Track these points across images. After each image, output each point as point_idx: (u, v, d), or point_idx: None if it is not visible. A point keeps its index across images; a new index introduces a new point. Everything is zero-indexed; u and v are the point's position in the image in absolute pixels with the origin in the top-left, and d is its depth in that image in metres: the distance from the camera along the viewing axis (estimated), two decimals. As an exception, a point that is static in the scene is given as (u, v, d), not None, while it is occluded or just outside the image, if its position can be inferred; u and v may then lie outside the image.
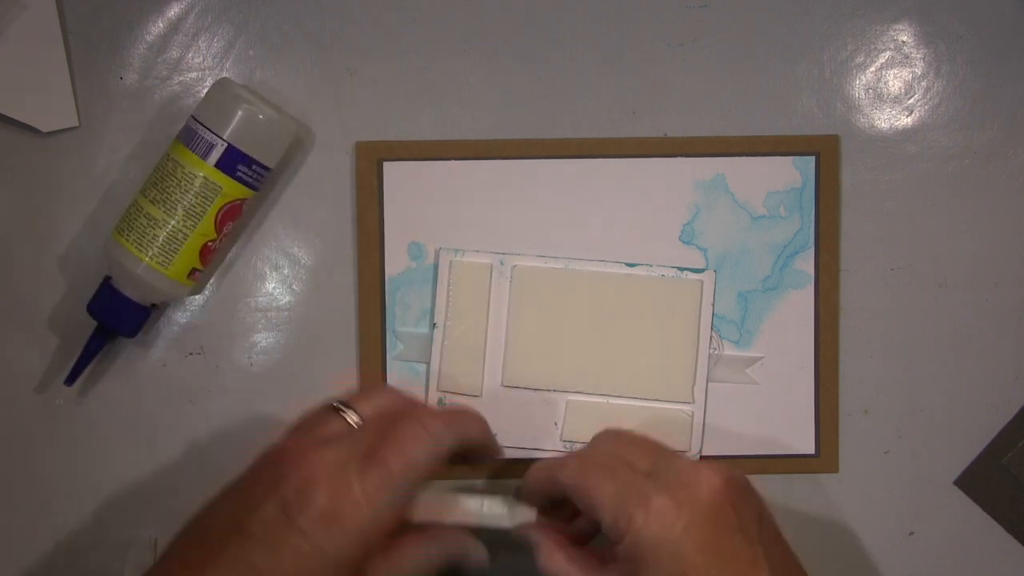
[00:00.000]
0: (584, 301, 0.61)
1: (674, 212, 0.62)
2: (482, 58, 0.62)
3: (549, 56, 0.62)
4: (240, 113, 0.57)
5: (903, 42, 0.62)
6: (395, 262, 0.62)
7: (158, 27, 0.62)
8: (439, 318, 0.61)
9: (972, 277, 0.62)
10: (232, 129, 0.57)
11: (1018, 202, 0.62)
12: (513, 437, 0.62)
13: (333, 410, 0.54)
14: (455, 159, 0.62)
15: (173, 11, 0.62)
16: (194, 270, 0.59)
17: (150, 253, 0.57)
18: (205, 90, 0.61)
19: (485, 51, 0.62)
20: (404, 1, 0.62)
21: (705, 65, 0.62)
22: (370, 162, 0.61)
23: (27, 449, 0.62)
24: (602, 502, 0.51)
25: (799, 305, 0.62)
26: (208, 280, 0.62)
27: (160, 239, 0.57)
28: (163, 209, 0.57)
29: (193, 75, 0.62)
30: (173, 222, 0.57)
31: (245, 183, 0.58)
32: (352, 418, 0.54)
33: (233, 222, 0.59)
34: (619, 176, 0.62)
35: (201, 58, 0.62)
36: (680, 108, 0.62)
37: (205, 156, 0.57)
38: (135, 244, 0.57)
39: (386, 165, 0.61)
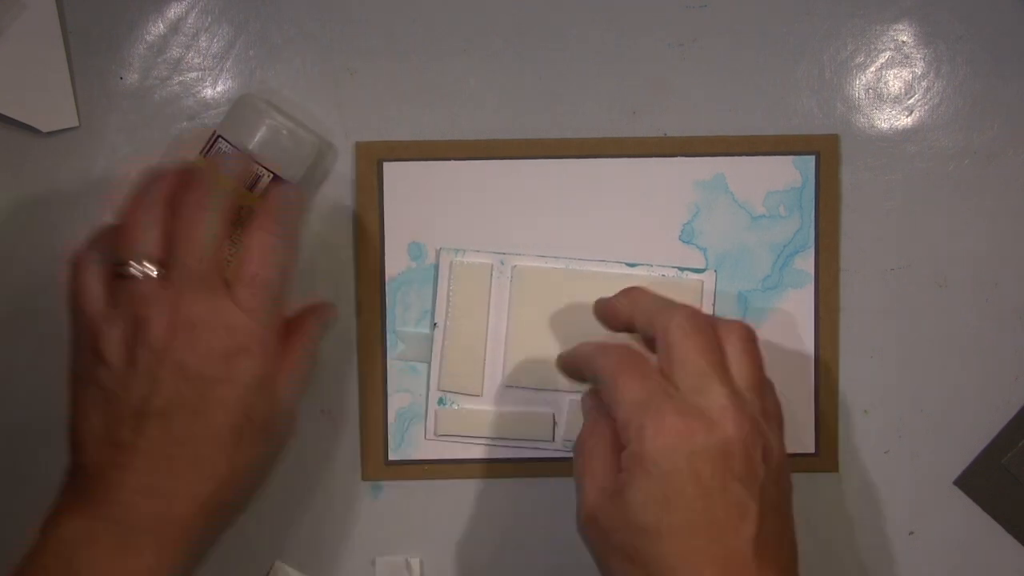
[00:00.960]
0: (584, 301, 0.61)
1: (674, 212, 0.62)
2: (482, 58, 0.62)
3: (549, 56, 0.62)
4: (290, 145, 0.57)
5: (903, 42, 0.62)
6: (395, 262, 0.62)
7: (158, 27, 0.62)
8: (439, 318, 0.61)
9: (972, 277, 0.62)
10: (284, 162, 0.57)
11: (1018, 202, 0.62)
12: (513, 436, 0.62)
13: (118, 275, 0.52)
14: (455, 159, 0.62)
15: (173, 11, 0.62)
16: None
17: None
18: (205, 90, 0.62)
19: (485, 51, 0.62)
20: (404, 1, 0.62)
21: (705, 65, 0.62)
22: (370, 162, 0.61)
23: (26, 448, 0.62)
24: (622, 402, 0.50)
25: (799, 305, 0.62)
26: None
27: None
28: None
29: (193, 75, 0.62)
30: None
31: None
32: (150, 271, 0.52)
33: None
34: (619, 176, 0.62)
35: (201, 58, 0.62)
36: (680, 108, 0.62)
37: (252, 188, 0.57)
38: None
39: (386, 165, 0.62)
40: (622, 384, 0.51)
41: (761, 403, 0.52)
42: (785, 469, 0.52)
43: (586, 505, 0.52)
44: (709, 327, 0.53)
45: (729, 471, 0.49)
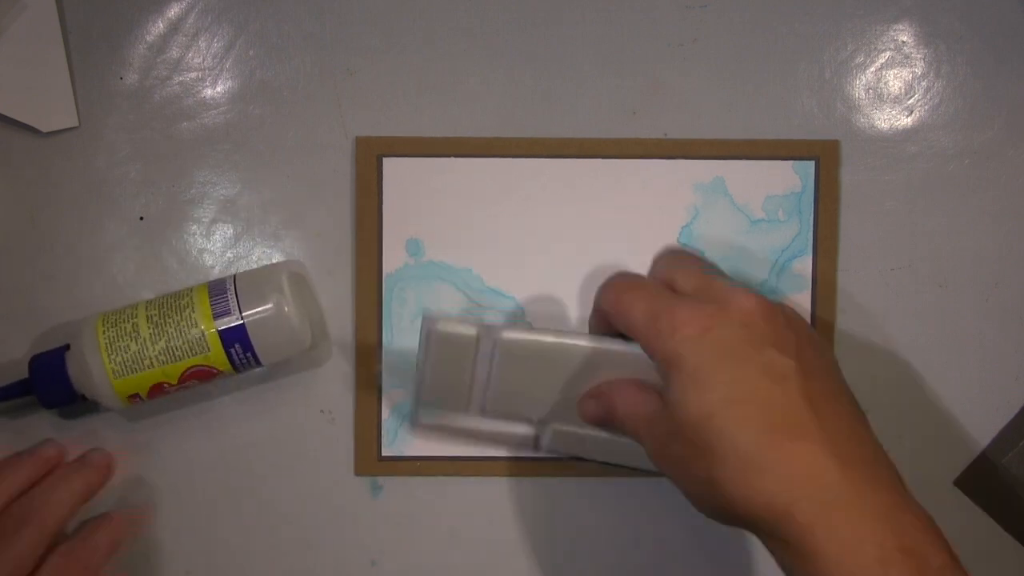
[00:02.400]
0: (571, 372, 0.55)
1: (673, 214, 0.62)
2: (482, 58, 0.62)
3: (549, 56, 0.62)
4: (270, 307, 0.57)
5: (903, 42, 0.62)
6: (393, 258, 0.62)
7: (158, 27, 0.62)
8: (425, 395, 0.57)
9: (972, 277, 0.62)
10: (254, 316, 0.57)
11: (1018, 202, 0.62)
12: (499, 440, 0.62)
13: None
14: (455, 156, 0.61)
15: (173, 11, 0.62)
16: (137, 395, 0.58)
17: (114, 358, 0.57)
18: (205, 90, 0.62)
19: (485, 51, 0.62)
20: (404, 1, 0.62)
21: (705, 65, 0.62)
22: (370, 157, 0.61)
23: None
24: (634, 321, 0.50)
25: (796, 309, 0.61)
26: (144, 408, 0.61)
27: (131, 351, 0.57)
28: (151, 329, 0.57)
29: (193, 75, 0.62)
30: (151, 347, 0.57)
31: (232, 361, 0.58)
32: None
33: (199, 381, 0.58)
34: (619, 177, 0.62)
35: (201, 58, 0.62)
36: (680, 108, 0.62)
37: (216, 317, 0.57)
38: (108, 342, 0.57)
39: (386, 161, 0.62)
40: (627, 308, 0.51)
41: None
42: (820, 342, 0.52)
43: (644, 436, 0.51)
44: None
45: (757, 338, 0.48)
